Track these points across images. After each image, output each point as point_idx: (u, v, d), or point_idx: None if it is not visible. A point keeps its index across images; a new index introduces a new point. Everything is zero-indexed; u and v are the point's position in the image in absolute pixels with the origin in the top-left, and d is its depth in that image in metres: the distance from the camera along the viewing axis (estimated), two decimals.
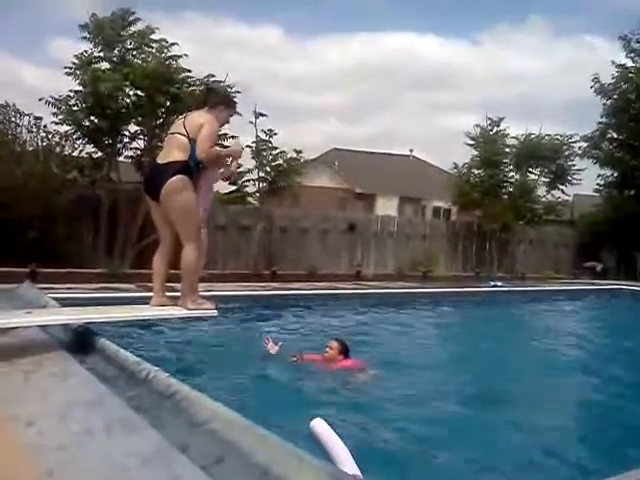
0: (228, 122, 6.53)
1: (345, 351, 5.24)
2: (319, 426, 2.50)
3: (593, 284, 15.48)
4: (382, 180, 30.87)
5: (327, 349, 5.24)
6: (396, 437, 3.67)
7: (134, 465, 2.34)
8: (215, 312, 5.10)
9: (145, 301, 5.27)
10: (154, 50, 11.99)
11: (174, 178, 4.84)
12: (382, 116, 64.57)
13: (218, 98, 5.61)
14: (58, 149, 12.08)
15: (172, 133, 5.13)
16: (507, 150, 18.06)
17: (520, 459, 3.47)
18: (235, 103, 5.87)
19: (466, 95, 65.01)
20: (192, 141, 4.92)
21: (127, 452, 2.45)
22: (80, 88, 11.52)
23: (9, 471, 2.21)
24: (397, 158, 35.58)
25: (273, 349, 5.31)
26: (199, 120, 5.03)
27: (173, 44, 12.07)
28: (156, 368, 3.33)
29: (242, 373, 5.01)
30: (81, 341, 4.30)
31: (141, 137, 12.39)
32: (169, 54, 12.03)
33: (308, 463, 2.13)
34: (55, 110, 11.50)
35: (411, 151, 38.07)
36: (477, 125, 18.04)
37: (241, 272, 12.49)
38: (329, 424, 2.54)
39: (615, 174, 19.40)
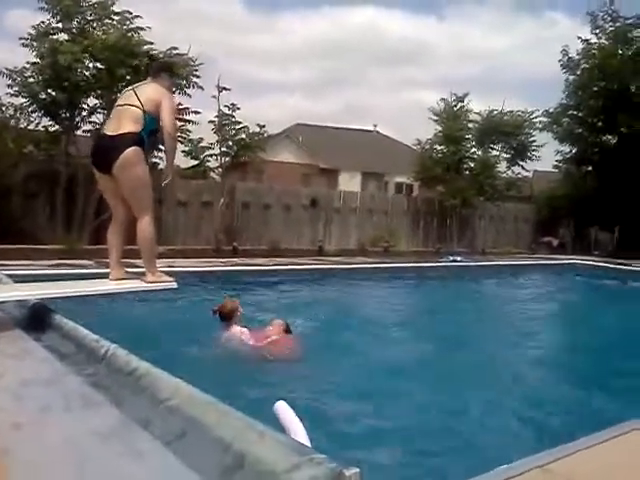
0: (173, 90, 6.40)
1: (288, 328, 5.17)
2: (282, 409, 2.52)
3: (549, 259, 15.87)
4: (345, 155, 30.85)
5: (270, 328, 5.11)
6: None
7: (94, 442, 2.31)
8: (174, 284, 5.05)
9: (104, 277, 5.19)
10: (115, 22, 11.63)
11: (128, 150, 4.73)
12: (346, 91, 64.34)
13: (158, 66, 5.52)
14: (13, 122, 11.67)
15: (122, 105, 5.00)
16: (470, 126, 18.22)
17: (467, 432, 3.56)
18: (174, 72, 5.77)
19: (430, 71, 65.36)
20: (146, 113, 4.81)
21: (86, 430, 2.41)
22: (37, 60, 11.12)
23: None
24: (361, 133, 35.56)
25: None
26: (154, 93, 4.92)
27: (136, 17, 11.73)
28: (115, 345, 3.28)
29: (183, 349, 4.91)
30: (37, 318, 4.20)
31: (100, 111, 12.04)
32: (131, 26, 11.68)
33: (270, 437, 2.13)
34: (9, 82, 11.09)
35: (375, 126, 38.08)
36: (442, 99, 18.13)
37: (202, 248, 12.37)
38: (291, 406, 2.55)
39: (573, 150, 19.78)
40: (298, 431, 2.40)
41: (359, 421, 3.65)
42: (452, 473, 2.86)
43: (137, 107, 4.85)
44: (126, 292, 5.21)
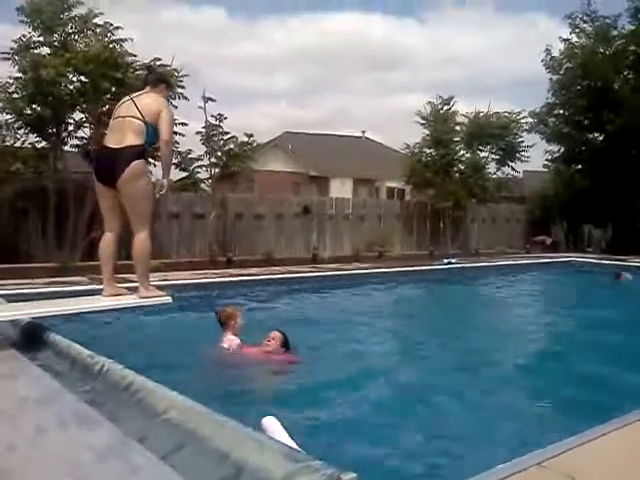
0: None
1: (286, 343, 4.95)
2: (270, 423, 2.51)
3: (544, 257, 15.93)
4: (335, 162, 30.91)
5: (268, 340, 4.91)
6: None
7: (90, 459, 2.30)
8: (169, 299, 5.05)
9: (98, 293, 5.18)
10: (97, 34, 11.61)
11: (135, 163, 4.75)
12: (333, 98, 64.54)
13: (157, 77, 5.54)
14: None
15: (123, 116, 5.00)
16: (457, 128, 18.28)
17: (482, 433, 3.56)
18: (171, 82, 5.82)
19: (416, 75, 65.62)
20: (148, 125, 4.83)
21: (82, 447, 2.40)
22: (20, 75, 11.09)
23: None
24: (350, 140, 35.65)
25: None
26: (153, 104, 4.95)
27: (117, 28, 11.71)
28: (110, 360, 3.28)
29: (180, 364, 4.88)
30: (31, 337, 4.19)
31: (86, 125, 12.03)
32: (113, 38, 11.67)
33: (267, 446, 2.14)
34: None
35: (363, 132, 38.22)
36: (428, 102, 18.19)
37: (196, 260, 12.34)
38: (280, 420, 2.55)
39: (562, 149, 19.89)
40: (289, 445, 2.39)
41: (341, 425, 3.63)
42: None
43: (139, 119, 4.87)
44: (120, 309, 5.20)
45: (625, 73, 18.78)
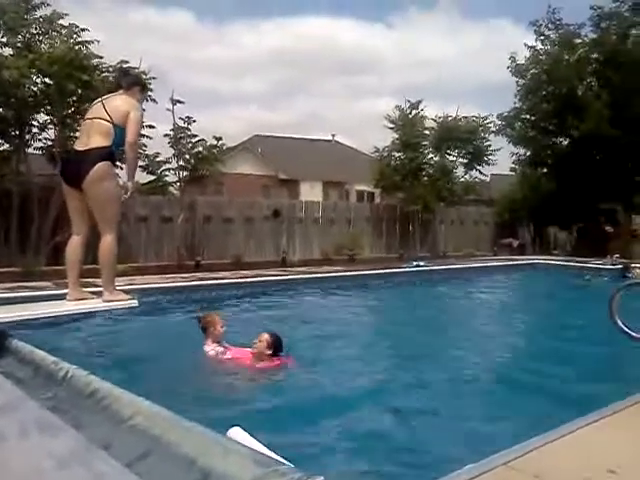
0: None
1: (276, 347, 4.72)
2: (237, 435, 2.47)
3: (511, 259, 16.17)
4: (305, 165, 30.96)
5: (256, 342, 4.72)
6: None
7: (52, 467, 2.24)
8: (135, 302, 5.00)
9: (63, 298, 5.09)
10: (62, 35, 11.41)
11: (99, 165, 4.69)
12: (303, 102, 64.71)
13: (132, 79, 5.48)
14: None
15: (91, 118, 4.93)
16: (426, 132, 18.48)
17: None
18: (147, 84, 5.78)
19: (385, 79, 66.15)
20: (116, 126, 4.77)
21: (44, 454, 2.34)
22: None
23: None
24: (320, 143, 35.76)
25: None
26: (123, 106, 4.89)
27: (83, 30, 11.53)
28: (75, 366, 3.20)
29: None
30: None
31: (51, 127, 11.80)
32: (79, 39, 11.48)
33: (234, 451, 2.11)
34: None
35: (333, 136, 38.37)
36: (397, 107, 18.34)
37: (164, 264, 12.21)
38: (247, 431, 2.51)
39: (528, 153, 20.25)
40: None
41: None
42: None
43: (106, 120, 4.81)
44: (85, 313, 5.12)
45: (588, 80, 19.25)
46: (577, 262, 14.55)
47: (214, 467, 2.06)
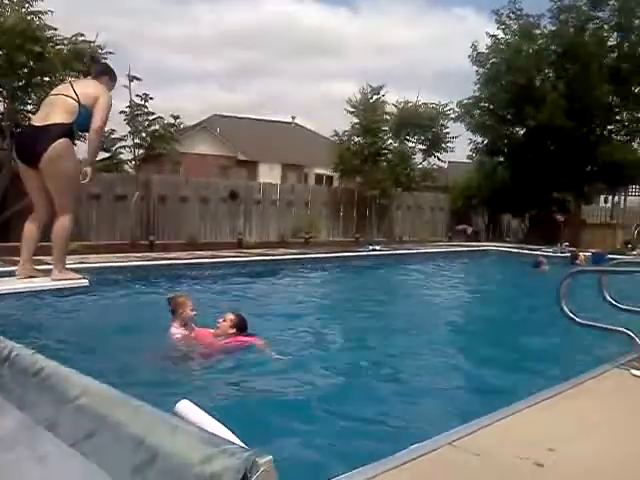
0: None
1: (241, 326, 4.76)
2: (185, 408, 2.45)
3: (465, 246, 16.49)
4: (265, 147, 30.74)
5: (219, 321, 4.77)
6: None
7: None
8: (86, 281, 4.90)
9: (12, 275, 4.95)
10: (14, 4, 10.96)
11: (58, 142, 4.52)
12: (263, 83, 64.06)
13: (101, 68, 5.35)
14: None
15: (56, 94, 4.75)
16: (386, 118, 18.54)
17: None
18: (116, 75, 5.60)
19: (347, 63, 65.99)
20: (82, 106, 4.61)
21: None
22: None
23: None
24: (280, 125, 35.51)
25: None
26: (93, 89, 4.76)
27: None
28: (19, 345, 3.12)
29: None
30: None
31: (0, 99, 11.36)
32: (31, 9, 11.04)
33: (182, 430, 2.10)
34: None
35: (293, 118, 38.14)
36: (359, 91, 18.33)
37: (116, 243, 11.97)
38: (198, 404, 2.50)
39: (485, 141, 20.57)
40: (213, 428, 2.34)
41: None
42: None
43: (72, 98, 4.64)
44: (34, 291, 4.99)
45: (546, 71, 19.59)
46: (528, 249, 14.95)
47: (162, 447, 2.04)
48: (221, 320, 4.78)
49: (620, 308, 4.97)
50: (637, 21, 18.11)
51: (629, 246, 16.35)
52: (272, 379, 4.17)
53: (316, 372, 4.43)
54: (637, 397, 3.68)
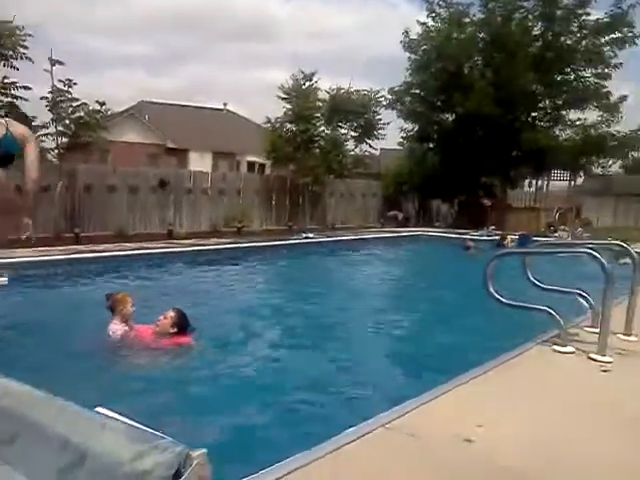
0: None
1: (181, 325, 4.67)
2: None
3: (396, 231, 16.80)
4: (195, 135, 30.16)
5: (160, 318, 4.66)
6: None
7: None
8: (4, 280, 4.66)
9: None
10: None
11: None
12: (193, 68, 62.71)
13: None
14: None
15: None
16: (319, 104, 18.52)
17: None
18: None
19: (279, 49, 65.47)
20: (8, 131, 4.26)
21: None
22: None
23: None
24: (210, 112, 34.87)
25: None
26: (22, 126, 4.40)
27: None
28: None
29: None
30: None
31: None
32: None
33: (111, 428, 2.03)
34: None
35: (225, 105, 37.52)
36: (291, 77, 18.22)
37: (39, 236, 11.40)
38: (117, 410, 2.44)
39: (416, 128, 20.91)
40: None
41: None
42: None
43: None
44: None
45: (475, 59, 20.07)
46: (457, 233, 15.40)
47: (90, 446, 1.97)
48: (162, 317, 4.67)
49: (542, 288, 5.20)
50: (560, 11, 18.79)
51: (551, 228, 17.15)
52: (205, 377, 4.12)
53: (249, 365, 4.43)
54: (558, 371, 3.86)
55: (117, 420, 2.19)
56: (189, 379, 4.10)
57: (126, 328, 4.71)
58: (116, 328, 4.69)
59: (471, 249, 12.29)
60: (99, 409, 2.34)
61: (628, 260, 4.82)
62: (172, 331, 4.62)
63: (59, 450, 2.02)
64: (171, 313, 4.68)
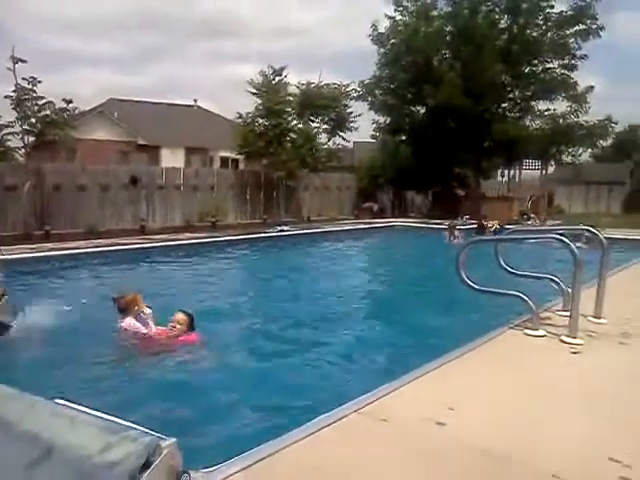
0: None
1: (192, 325, 4.82)
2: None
3: (371, 222, 16.87)
4: (166, 131, 29.85)
5: (172, 325, 4.76)
6: None
7: None
8: None
9: None
10: None
11: None
12: (162, 65, 62.02)
13: None
14: None
15: None
16: (290, 99, 18.46)
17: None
18: None
19: (249, 44, 65.06)
20: None
21: None
22: None
23: None
24: (181, 108, 34.52)
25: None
26: None
27: None
28: None
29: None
30: None
31: None
32: None
33: (80, 421, 2.01)
34: None
35: (195, 101, 37.19)
36: (260, 72, 18.11)
37: (8, 234, 11.19)
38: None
39: (387, 120, 20.95)
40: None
41: None
42: None
43: None
44: None
45: (443, 52, 20.15)
46: (432, 223, 15.53)
47: (58, 440, 1.95)
48: (174, 322, 4.76)
49: (514, 274, 5.27)
50: (525, 4, 18.97)
51: (524, 216, 17.39)
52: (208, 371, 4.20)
53: (232, 357, 4.45)
54: (528, 353, 3.92)
55: (87, 413, 2.17)
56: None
57: (141, 327, 4.78)
58: (129, 323, 4.76)
59: (458, 238, 12.35)
60: (58, 400, 2.31)
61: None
62: (188, 332, 4.77)
63: (27, 445, 1.99)
64: (182, 317, 4.79)
